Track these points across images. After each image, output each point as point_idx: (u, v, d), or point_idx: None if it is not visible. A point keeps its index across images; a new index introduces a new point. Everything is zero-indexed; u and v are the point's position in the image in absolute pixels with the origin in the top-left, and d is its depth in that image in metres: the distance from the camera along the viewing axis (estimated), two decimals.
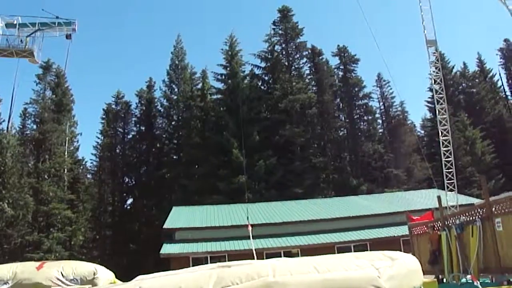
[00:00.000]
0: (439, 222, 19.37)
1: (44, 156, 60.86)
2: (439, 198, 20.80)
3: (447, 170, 29.65)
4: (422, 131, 76.63)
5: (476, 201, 35.48)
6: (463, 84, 77.68)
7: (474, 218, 16.20)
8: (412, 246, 22.44)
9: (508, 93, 78.89)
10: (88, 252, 60.04)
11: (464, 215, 17.41)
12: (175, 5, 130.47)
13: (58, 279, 19.68)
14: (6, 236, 53.57)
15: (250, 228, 27.34)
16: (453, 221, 17.97)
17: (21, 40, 33.51)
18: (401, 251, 23.72)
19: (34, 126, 64.01)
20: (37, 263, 22.12)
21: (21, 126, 64.71)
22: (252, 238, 33.41)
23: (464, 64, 79.71)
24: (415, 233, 22.25)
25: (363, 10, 54.70)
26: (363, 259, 5.82)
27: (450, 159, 29.48)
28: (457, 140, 61.88)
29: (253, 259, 8.28)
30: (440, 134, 30.11)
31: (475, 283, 13.57)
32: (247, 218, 28.96)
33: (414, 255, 20.72)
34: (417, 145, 63.85)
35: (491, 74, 79.37)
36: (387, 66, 64.31)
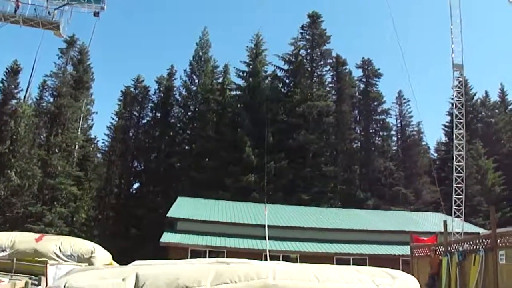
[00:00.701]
0: (441, 247, 19.23)
1: (57, 130, 61.12)
2: (445, 222, 20.69)
3: (456, 196, 29.44)
4: (435, 154, 76.23)
5: (481, 230, 35.25)
6: (483, 113, 77.20)
7: (478, 247, 16.10)
8: (411, 267, 22.30)
9: None
10: (89, 230, 60.08)
11: (468, 243, 17.30)
12: None
13: (56, 253, 19.71)
14: (9, 204, 53.92)
15: (266, 212, 27.63)
16: (457, 247, 17.84)
17: (48, 12, 33.60)
18: (400, 270, 23.58)
19: (51, 99, 64.50)
20: (37, 235, 22.18)
21: (38, 98, 65.33)
22: (251, 238, 33.52)
23: (486, 92, 79.25)
24: (416, 254, 22.13)
25: (395, 26, 54.45)
26: (364, 274, 5.75)
27: (461, 185, 29.26)
28: (469, 168, 61.44)
29: (251, 259, 8.22)
30: (454, 159, 29.90)
31: None
32: (265, 203, 28.89)
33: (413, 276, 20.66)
34: (428, 167, 63.49)
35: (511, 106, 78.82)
36: (411, 85, 64.04)
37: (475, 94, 76.92)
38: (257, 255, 30.02)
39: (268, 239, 34.87)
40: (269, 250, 32.69)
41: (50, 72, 64.57)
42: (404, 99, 75.44)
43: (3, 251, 20.23)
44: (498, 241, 15.01)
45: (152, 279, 4.82)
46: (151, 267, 5.81)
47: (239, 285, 4.73)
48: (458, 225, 29.44)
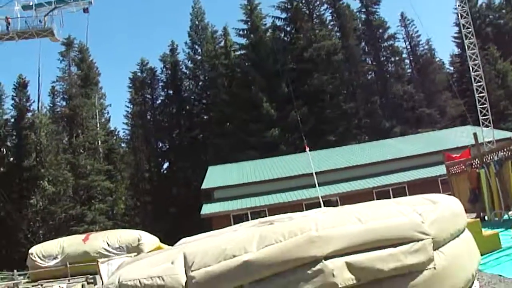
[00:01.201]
0: (477, 160, 19.09)
1: (77, 131, 61.72)
2: (475, 135, 20.54)
3: (481, 106, 29.20)
4: (452, 68, 75.45)
5: None
6: (490, 16, 75.98)
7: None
8: (451, 185, 22.18)
9: None
10: (131, 219, 60.94)
11: (501, 150, 17.10)
12: None
13: (105, 249, 20.20)
14: (50, 213, 54.92)
15: (307, 149, 27.80)
16: (491, 157, 17.68)
17: (39, 20, 33.68)
18: (439, 191, 23.59)
19: (64, 103, 65.17)
20: (83, 236, 22.71)
21: (51, 105, 66.14)
22: (288, 190, 33.73)
23: None
24: (453, 172, 21.96)
25: None
26: (405, 205, 5.77)
27: (483, 94, 29.00)
28: (488, 73, 60.73)
29: (293, 211, 8.28)
30: (471, 69, 29.58)
31: None
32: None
33: (453, 195, 20.68)
34: (447, 82, 62.95)
35: None
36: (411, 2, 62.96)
37: None
38: (297, 206, 30.30)
39: (306, 187, 35.13)
40: (308, 198, 32.96)
41: (57, 77, 65.35)
42: (408, 20, 74.45)
43: (54, 258, 20.73)
44: None
45: (200, 255, 4.91)
46: (196, 243, 5.91)
47: (284, 243, 4.79)
48: (488, 134, 29.27)
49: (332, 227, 5.02)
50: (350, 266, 4.79)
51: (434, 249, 5.25)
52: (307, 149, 27.80)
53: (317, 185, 25.71)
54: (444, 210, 5.79)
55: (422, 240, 5.16)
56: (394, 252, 5.01)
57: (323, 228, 4.95)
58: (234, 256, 4.74)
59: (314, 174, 25.78)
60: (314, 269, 4.69)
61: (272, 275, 4.71)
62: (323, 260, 4.72)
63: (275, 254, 4.70)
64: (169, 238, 20.64)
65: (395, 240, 5.09)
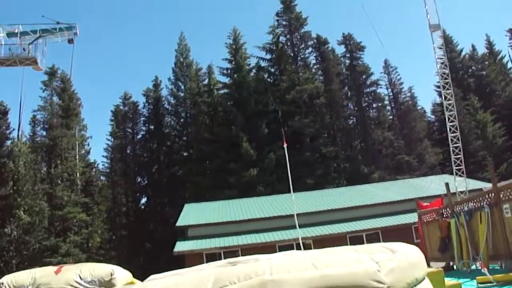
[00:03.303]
0: (448, 209, 19.32)
1: (56, 161, 61.33)
2: (447, 184, 20.76)
3: (455, 156, 29.58)
4: (433, 116, 76.17)
5: (487, 185, 35.38)
6: (473, 67, 77.27)
7: (482, 204, 16.10)
8: (421, 234, 22.41)
9: None
10: (106, 253, 60.37)
11: (472, 201, 17.33)
12: (176, 3, 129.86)
13: (77, 281, 19.88)
14: (24, 243, 54.21)
15: (285, 145, 27.76)
16: (462, 207, 17.92)
17: (23, 49, 33.60)
18: (413, 238, 23.83)
19: (44, 133, 64.67)
20: (55, 267, 22.33)
21: (31, 134, 65.55)
22: (263, 231, 33.74)
23: (473, 46, 79.30)
24: (425, 220, 22.19)
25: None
26: (363, 252, 5.88)
27: (458, 144, 29.40)
28: (468, 124, 61.68)
29: (265, 252, 8.38)
30: (447, 120, 30.04)
31: (483, 270, 13.53)
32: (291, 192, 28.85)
33: (423, 243, 20.88)
34: (427, 130, 63.65)
35: (500, 55, 78.76)
36: (382, 42, 63.84)
37: (462, 50, 77.51)
38: (270, 247, 30.27)
39: (279, 229, 35.16)
40: (282, 240, 32.93)
41: (38, 106, 64.84)
42: (392, 67, 75.59)
43: None
44: (501, 195, 15.02)
45: None
46: (159, 280, 5.98)
47: (237, 285, 4.87)
48: (461, 184, 29.62)
49: (287, 271, 5.10)
50: None
51: None
52: (285, 144, 27.94)
53: (297, 226, 25.80)
54: (402, 259, 5.85)
55: None
56: None
57: (277, 272, 5.02)
58: None
59: (295, 215, 25.92)
60: None
61: None
62: None
63: None
64: (143, 273, 20.49)
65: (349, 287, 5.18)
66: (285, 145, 27.85)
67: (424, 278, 6.50)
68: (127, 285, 15.87)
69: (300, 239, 26.08)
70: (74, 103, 66.92)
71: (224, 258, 8.85)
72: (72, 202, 57.80)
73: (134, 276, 21.29)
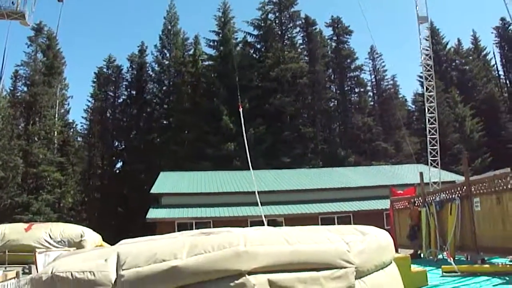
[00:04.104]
0: (420, 198, 19.60)
1: (35, 118, 60.87)
2: (421, 174, 21.03)
3: (431, 147, 29.86)
4: (414, 106, 76.59)
5: (460, 178, 35.83)
6: (457, 61, 77.78)
7: (453, 196, 16.38)
8: (393, 220, 22.72)
9: (501, 72, 79.10)
10: (77, 214, 60.35)
11: (444, 192, 17.61)
12: None
13: (46, 240, 20.01)
14: None
15: (240, 109, 27.80)
16: (434, 198, 18.20)
17: (12, 2, 33.21)
18: (383, 224, 24.11)
19: (25, 89, 63.85)
20: (26, 225, 22.42)
21: (12, 88, 64.52)
22: (236, 205, 33.94)
23: (459, 40, 79.90)
24: (397, 207, 22.50)
25: None
26: (335, 232, 6.07)
27: (435, 136, 29.64)
28: (447, 116, 62.19)
29: (237, 226, 8.53)
30: (426, 111, 30.26)
31: (449, 260, 13.81)
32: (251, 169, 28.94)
33: (394, 229, 21.18)
34: (407, 119, 64.06)
35: (485, 52, 79.49)
36: (371, 32, 64.08)
37: (447, 43, 77.75)
38: (242, 222, 30.48)
39: (253, 204, 35.32)
40: (254, 216, 33.16)
41: (21, 62, 63.90)
42: (377, 54, 75.83)
43: None
44: (473, 188, 15.26)
45: (132, 256, 5.10)
46: (133, 245, 6.10)
47: (212, 254, 5.01)
48: (435, 175, 29.97)
49: (260, 244, 5.27)
50: (272, 284, 4.99)
51: (357, 278, 5.51)
52: (240, 108, 28.04)
53: (259, 203, 25.91)
54: (371, 242, 6.08)
55: (345, 268, 5.43)
56: (316, 275, 5.24)
57: (251, 244, 5.19)
58: (164, 260, 4.92)
59: (256, 192, 25.97)
60: (237, 282, 4.89)
61: (197, 283, 4.92)
62: (246, 275, 4.96)
63: (202, 263, 4.90)
64: (113, 237, 20.60)
65: (319, 264, 5.35)
66: (240, 109, 27.90)
67: (391, 262, 6.76)
68: (97, 247, 16.03)
69: (263, 216, 26.20)
70: (58, 61, 66.41)
71: (196, 229, 9.00)
72: (47, 161, 57.57)
73: (104, 240, 21.44)
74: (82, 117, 74.65)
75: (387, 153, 65.00)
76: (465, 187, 15.72)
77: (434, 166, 30.04)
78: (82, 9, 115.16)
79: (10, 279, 11.64)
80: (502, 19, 75.69)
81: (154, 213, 36.20)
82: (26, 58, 64.17)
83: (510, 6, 25.14)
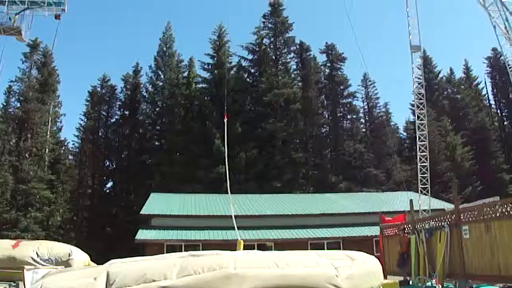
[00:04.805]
0: (409, 225, 19.66)
1: (26, 135, 60.69)
2: (411, 201, 21.10)
3: (422, 175, 30.02)
4: (405, 134, 76.95)
5: (450, 206, 35.94)
6: (449, 90, 78.53)
7: (442, 224, 16.45)
8: (381, 247, 22.74)
9: (492, 102, 79.95)
10: (65, 233, 59.92)
11: (433, 220, 17.68)
12: None
13: (33, 258, 19.85)
14: None
15: (226, 119, 27.52)
16: (423, 225, 18.27)
17: (9, 18, 33.29)
18: (373, 251, 24.07)
19: (18, 104, 63.65)
20: (13, 241, 22.25)
21: (4, 104, 64.34)
22: (225, 229, 33.82)
23: (451, 69, 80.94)
24: (386, 234, 22.52)
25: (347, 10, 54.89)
26: (324, 257, 6.12)
27: (425, 164, 29.83)
28: (438, 145, 62.39)
29: (226, 249, 8.55)
30: (417, 139, 30.47)
31: (437, 287, 13.86)
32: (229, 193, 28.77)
33: (383, 256, 21.18)
34: (398, 147, 64.29)
35: (476, 81, 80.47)
36: (363, 56, 64.59)
37: (440, 72, 78.49)
38: (232, 245, 30.35)
39: (243, 228, 35.23)
40: (243, 240, 33.02)
41: (15, 77, 63.96)
42: (370, 81, 76.45)
43: None
44: (462, 216, 15.35)
45: (122, 275, 5.13)
46: (123, 264, 6.12)
47: (202, 275, 5.06)
48: (425, 203, 30.09)
49: (249, 267, 5.31)
50: None
51: None
52: (226, 118, 27.87)
53: (236, 227, 25.69)
54: (360, 268, 6.14)
55: None
56: None
57: (241, 266, 5.24)
58: (154, 280, 4.96)
59: (233, 216, 25.63)
60: None
61: None
62: None
63: (192, 284, 4.94)
64: (101, 257, 20.47)
65: None
66: (225, 120, 27.77)
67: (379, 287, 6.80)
68: (84, 266, 15.95)
69: (239, 240, 26.12)
70: (53, 78, 66.54)
71: (185, 251, 9.02)
72: (37, 178, 57.27)
73: (91, 259, 21.31)
74: (74, 135, 74.58)
75: (377, 180, 65.10)
76: (454, 215, 15.81)
77: (424, 194, 30.20)
78: (79, 27, 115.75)
79: None
80: (494, 49, 76.63)
81: (143, 234, 35.98)
82: (21, 74, 64.30)
83: (501, 37, 25.48)
